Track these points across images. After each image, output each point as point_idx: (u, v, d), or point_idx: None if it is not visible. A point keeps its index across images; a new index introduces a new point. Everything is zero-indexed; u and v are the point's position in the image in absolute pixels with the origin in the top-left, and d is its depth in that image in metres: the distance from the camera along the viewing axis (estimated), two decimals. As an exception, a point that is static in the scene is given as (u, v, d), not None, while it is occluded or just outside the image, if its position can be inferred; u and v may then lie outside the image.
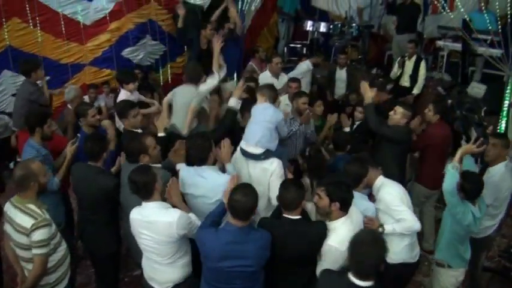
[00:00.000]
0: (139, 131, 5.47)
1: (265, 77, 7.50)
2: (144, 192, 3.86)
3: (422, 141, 5.90)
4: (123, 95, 6.47)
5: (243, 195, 3.59)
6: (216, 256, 3.62)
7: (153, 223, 3.81)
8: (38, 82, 6.52)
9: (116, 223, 4.82)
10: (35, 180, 3.91)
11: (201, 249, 3.74)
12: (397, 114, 5.60)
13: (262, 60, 9.19)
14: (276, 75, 7.58)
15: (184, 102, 5.88)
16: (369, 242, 3.14)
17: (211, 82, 6.13)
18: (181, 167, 4.56)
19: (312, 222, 4.00)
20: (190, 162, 4.43)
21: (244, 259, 3.59)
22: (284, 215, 3.85)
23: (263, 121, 4.84)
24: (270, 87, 5.28)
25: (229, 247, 3.59)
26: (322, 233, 3.79)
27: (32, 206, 3.87)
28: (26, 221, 3.80)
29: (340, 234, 3.73)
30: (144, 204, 3.91)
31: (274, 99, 5.13)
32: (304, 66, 8.50)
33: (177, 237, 3.83)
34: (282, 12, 11.54)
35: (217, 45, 6.36)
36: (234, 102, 5.44)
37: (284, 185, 3.89)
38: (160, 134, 5.29)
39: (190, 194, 4.33)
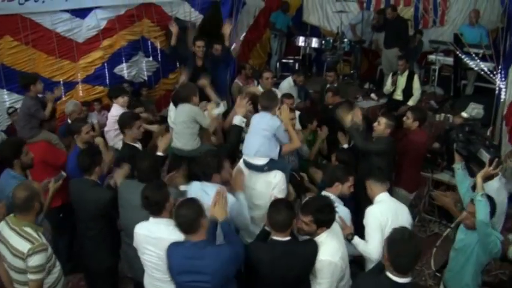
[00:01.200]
0: (138, 145, 5.50)
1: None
2: (156, 209, 3.87)
3: (404, 148, 5.98)
4: (115, 109, 6.49)
5: (184, 209, 3.57)
6: (174, 270, 3.63)
7: (161, 240, 3.76)
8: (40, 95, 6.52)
9: (112, 238, 4.74)
10: (39, 200, 3.86)
11: (168, 264, 3.72)
12: (381, 125, 5.77)
13: (248, 77, 9.13)
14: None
15: (182, 121, 5.81)
16: (405, 240, 3.24)
17: (218, 111, 6.24)
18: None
19: (302, 242, 3.94)
20: (196, 177, 4.44)
21: (202, 275, 3.53)
22: (273, 237, 3.81)
23: (259, 129, 4.84)
24: (267, 96, 5.21)
25: (185, 262, 3.56)
26: (313, 252, 3.78)
27: (29, 230, 3.80)
28: (23, 245, 3.72)
29: (329, 247, 3.78)
30: (152, 220, 3.90)
31: (270, 108, 5.03)
32: (286, 84, 8.50)
33: None
34: (274, 28, 11.57)
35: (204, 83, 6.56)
36: (238, 120, 5.44)
37: (274, 207, 3.84)
38: (159, 154, 5.23)
39: None
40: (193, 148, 5.78)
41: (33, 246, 3.71)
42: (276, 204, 3.88)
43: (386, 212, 4.45)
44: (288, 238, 3.78)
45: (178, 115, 5.86)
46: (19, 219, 3.84)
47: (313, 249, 3.79)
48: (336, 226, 4.04)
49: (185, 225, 3.58)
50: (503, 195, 4.98)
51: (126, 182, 4.58)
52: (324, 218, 3.83)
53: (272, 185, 4.70)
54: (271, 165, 4.75)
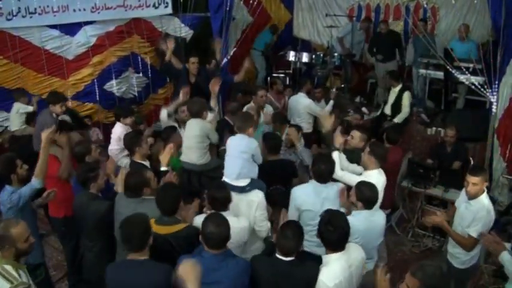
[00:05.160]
0: (146, 163, 5.55)
1: (249, 109, 7.45)
2: (223, 205, 4.29)
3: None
4: (119, 129, 6.50)
5: (215, 227, 3.66)
6: None
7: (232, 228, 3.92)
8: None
9: (115, 250, 4.72)
10: (11, 245, 3.69)
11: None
12: (355, 139, 5.91)
13: (279, 91, 9.02)
14: (260, 107, 7.57)
15: (192, 135, 5.96)
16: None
17: (212, 116, 6.38)
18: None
19: (305, 264, 3.85)
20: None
21: (221, 285, 3.59)
22: (277, 255, 3.78)
23: (239, 152, 5.01)
24: (241, 118, 5.39)
25: (205, 274, 3.52)
26: (313, 276, 3.71)
27: (9, 268, 3.62)
28: (2, 285, 3.56)
29: (331, 270, 3.70)
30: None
31: (243, 129, 5.21)
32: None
33: (244, 241, 4.40)
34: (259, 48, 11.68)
35: (215, 87, 6.88)
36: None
37: (283, 230, 3.80)
38: (163, 169, 5.29)
39: None
40: (206, 162, 6.00)
41: (13, 285, 3.55)
42: (286, 229, 3.82)
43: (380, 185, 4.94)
44: (291, 258, 3.74)
45: (190, 129, 6.00)
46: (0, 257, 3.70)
47: (314, 273, 3.72)
48: (356, 256, 3.94)
49: (216, 243, 3.69)
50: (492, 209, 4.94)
51: (120, 195, 4.69)
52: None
53: (254, 204, 4.75)
54: (252, 185, 4.88)
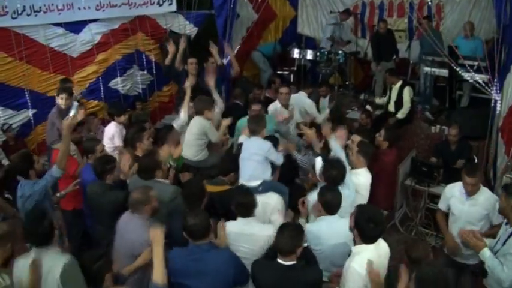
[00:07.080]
0: None
1: (274, 108, 7.42)
2: (250, 212, 4.37)
3: (377, 169, 5.87)
4: (113, 128, 6.61)
5: (193, 218, 3.80)
6: (178, 271, 3.75)
7: (253, 236, 4.25)
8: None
9: None
10: (13, 241, 3.76)
11: (169, 268, 3.83)
12: (355, 144, 5.77)
13: (277, 90, 8.99)
14: (285, 106, 7.46)
15: (193, 132, 6.12)
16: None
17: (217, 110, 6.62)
18: None
19: (306, 268, 3.89)
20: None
21: (204, 276, 3.70)
22: (278, 259, 3.79)
23: (251, 154, 5.10)
24: (254, 120, 5.46)
25: (189, 263, 3.74)
26: (315, 280, 3.77)
27: None
28: None
29: (363, 259, 3.71)
30: (241, 219, 4.38)
31: (257, 131, 5.31)
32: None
33: None
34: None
35: (210, 82, 6.98)
36: (243, 139, 5.71)
37: (281, 232, 3.81)
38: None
39: None
40: (201, 159, 6.15)
41: None
42: (283, 229, 3.85)
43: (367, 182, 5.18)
44: (292, 262, 3.75)
45: (191, 126, 6.18)
46: None
47: (315, 276, 3.79)
48: (385, 251, 3.96)
49: (197, 234, 3.80)
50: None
51: (134, 178, 5.02)
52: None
53: (270, 207, 4.78)
54: (265, 187, 4.92)
